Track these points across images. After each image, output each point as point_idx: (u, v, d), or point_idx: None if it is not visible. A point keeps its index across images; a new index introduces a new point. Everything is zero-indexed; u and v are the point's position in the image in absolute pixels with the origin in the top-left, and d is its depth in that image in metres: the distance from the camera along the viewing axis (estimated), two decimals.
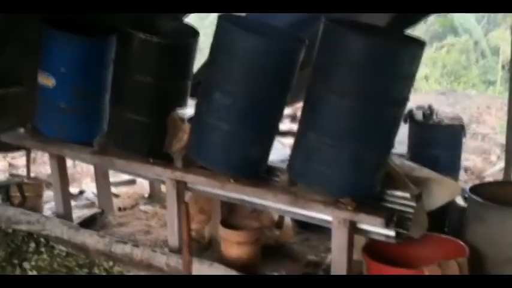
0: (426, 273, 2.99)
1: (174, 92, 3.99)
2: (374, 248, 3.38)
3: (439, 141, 5.82)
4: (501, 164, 6.35)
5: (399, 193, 3.36)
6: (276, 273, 4.04)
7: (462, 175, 6.77)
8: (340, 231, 3.16)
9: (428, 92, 14.13)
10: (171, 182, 3.80)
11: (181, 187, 3.82)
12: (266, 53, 3.27)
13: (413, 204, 3.31)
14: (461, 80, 16.09)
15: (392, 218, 3.14)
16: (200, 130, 3.54)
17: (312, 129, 3.18)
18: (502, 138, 8.61)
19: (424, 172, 3.69)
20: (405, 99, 3.18)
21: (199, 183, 3.71)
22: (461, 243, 3.38)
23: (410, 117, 5.93)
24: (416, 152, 5.96)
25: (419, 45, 3.08)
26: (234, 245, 3.79)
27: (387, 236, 3.20)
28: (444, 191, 3.65)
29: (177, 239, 3.86)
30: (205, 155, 3.54)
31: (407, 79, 3.11)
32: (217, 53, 3.45)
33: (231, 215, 4.09)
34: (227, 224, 3.94)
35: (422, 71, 15.63)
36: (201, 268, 3.50)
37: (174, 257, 3.67)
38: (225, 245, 3.85)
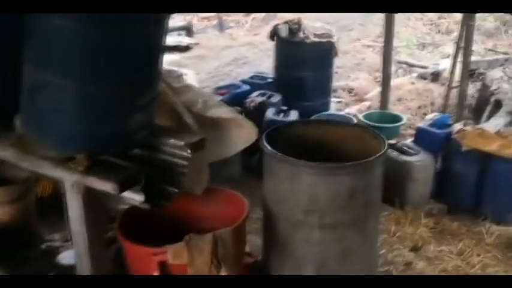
0: (169, 253, 2.27)
1: None
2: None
3: (306, 61, 5.02)
4: None
5: (172, 141, 2.57)
6: (56, 234, 3.29)
7: (345, 96, 6.05)
8: (74, 198, 2.36)
9: None
10: None
11: None
12: None
13: (187, 154, 2.54)
14: None
15: (136, 178, 2.35)
16: None
17: (31, 62, 2.28)
18: (404, 53, 7.87)
19: (222, 111, 2.88)
20: (157, 17, 2.29)
21: None
22: (245, 201, 2.68)
23: (275, 33, 5.08)
24: (281, 74, 5.17)
25: None
26: None
27: (140, 202, 2.43)
28: (244, 134, 2.89)
29: None
30: None
31: None
32: None
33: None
34: None
35: None
36: None
37: None
38: None
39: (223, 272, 2.27)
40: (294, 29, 4.91)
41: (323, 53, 4.97)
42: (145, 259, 2.37)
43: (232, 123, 2.86)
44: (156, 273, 2.29)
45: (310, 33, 4.86)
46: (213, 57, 7.71)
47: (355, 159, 2.58)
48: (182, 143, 2.52)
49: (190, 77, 6.01)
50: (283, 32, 4.93)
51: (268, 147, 2.57)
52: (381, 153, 2.53)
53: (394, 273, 3.18)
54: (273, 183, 2.61)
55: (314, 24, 5.06)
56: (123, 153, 2.51)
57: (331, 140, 2.95)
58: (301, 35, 4.85)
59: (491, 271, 3.20)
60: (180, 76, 3.01)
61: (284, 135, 2.93)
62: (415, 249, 3.42)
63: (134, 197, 2.39)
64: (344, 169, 2.48)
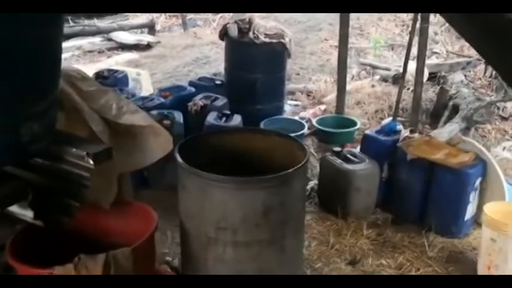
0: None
1: None
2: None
3: (256, 63, 4.85)
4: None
5: (74, 151, 2.38)
6: None
7: (303, 99, 5.88)
8: None
9: None
10: None
11: None
12: None
13: (90, 165, 2.35)
14: None
15: (22, 193, 2.16)
16: None
17: None
18: (371, 55, 7.72)
19: (136, 118, 2.69)
20: (49, 15, 2.08)
21: None
22: (154, 215, 2.50)
23: (225, 33, 4.90)
24: (231, 76, 5.00)
25: None
26: None
27: (31, 218, 2.24)
28: (160, 143, 2.71)
29: None
30: None
31: None
32: None
33: None
34: None
35: None
36: None
37: None
38: None
39: None
40: (244, 28, 4.74)
41: (274, 54, 4.80)
42: None
43: (148, 131, 2.68)
44: None
45: (260, 33, 4.68)
46: (173, 56, 7.52)
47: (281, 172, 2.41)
48: (84, 153, 2.33)
49: (144, 78, 5.81)
50: (233, 32, 4.75)
51: (179, 157, 2.39)
52: (298, 166, 2.36)
53: None
54: (185, 196, 2.44)
55: (266, 23, 4.89)
56: (23, 164, 2.33)
57: (259, 150, 2.78)
58: (251, 35, 4.67)
59: None
60: (92, 79, 2.79)
61: (208, 144, 2.76)
62: (352, 262, 3.27)
63: (25, 213, 2.20)
64: (257, 183, 2.31)
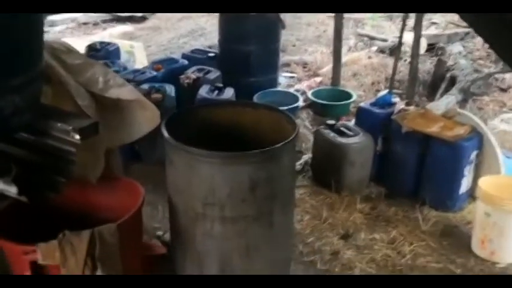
0: (39, 252, 2.06)
1: None
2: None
3: (249, 34, 4.76)
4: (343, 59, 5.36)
5: (59, 125, 2.33)
6: None
7: (299, 71, 5.80)
8: None
9: None
10: None
11: None
12: None
13: (76, 140, 2.30)
14: None
15: (4, 168, 2.13)
16: None
17: None
18: (369, 25, 7.59)
19: (123, 92, 2.64)
20: None
21: None
22: (141, 190, 2.47)
23: None
24: (225, 48, 4.91)
25: None
26: None
27: (15, 194, 2.20)
28: (147, 117, 2.67)
29: None
30: None
31: None
32: None
33: None
34: None
35: None
36: None
37: None
38: None
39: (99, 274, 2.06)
40: None
41: (267, 26, 4.70)
42: (18, 258, 2.16)
43: (135, 105, 2.63)
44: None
45: None
46: (168, 28, 7.40)
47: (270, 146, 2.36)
48: (70, 128, 2.28)
49: (139, 50, 5.72)
50: None
51: (165, 132, 2.34)
52: (285, 141, 2.31)
53: (319, 263, 3.02)
54: (172, 171, 2.40)
55: None
56: (6, 139, 2.28)
57: (250, 124, 2.73)
58: None
59: (421, 261, 3.04)
60: (78, 51, 2.73)
61: (197, 118, 2.71)
62: (345, 237, 3.25)
63: (9, 189, 2.16)
64: (243, 158, 2.27)
